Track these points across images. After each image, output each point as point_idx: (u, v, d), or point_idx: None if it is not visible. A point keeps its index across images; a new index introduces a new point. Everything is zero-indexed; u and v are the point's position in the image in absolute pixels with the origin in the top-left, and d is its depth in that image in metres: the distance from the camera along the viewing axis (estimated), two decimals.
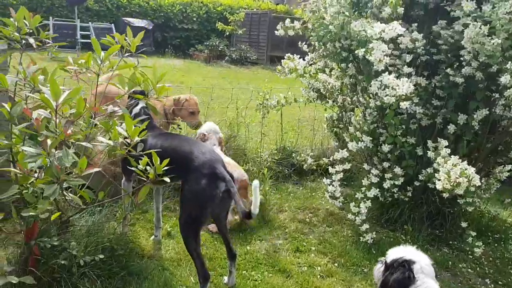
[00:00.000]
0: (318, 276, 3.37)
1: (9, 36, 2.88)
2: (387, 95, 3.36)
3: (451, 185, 3.05)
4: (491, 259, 3.89)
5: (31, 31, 2.92)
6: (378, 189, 3.84)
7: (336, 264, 3.56)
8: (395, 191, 3.86)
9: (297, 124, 6.13)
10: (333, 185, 4.05)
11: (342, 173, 4.04)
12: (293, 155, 5.38)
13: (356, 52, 3.66)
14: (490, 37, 3.23)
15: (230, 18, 17.96)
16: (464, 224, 3.81)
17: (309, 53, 4.92)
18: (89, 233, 3.02)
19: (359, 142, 3.89)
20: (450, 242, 4.01)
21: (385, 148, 3.82)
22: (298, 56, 4.71)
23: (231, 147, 5.03)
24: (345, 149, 4.00)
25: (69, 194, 2.73)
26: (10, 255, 2.94)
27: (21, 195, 2.57)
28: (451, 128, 3.69)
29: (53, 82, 2.46)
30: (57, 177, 2.42)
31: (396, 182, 3.76)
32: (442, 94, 3.81)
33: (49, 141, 2.44)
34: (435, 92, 3.86)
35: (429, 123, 3.92)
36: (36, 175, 2.55)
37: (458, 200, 3.71)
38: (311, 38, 4.46)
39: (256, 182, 2.88)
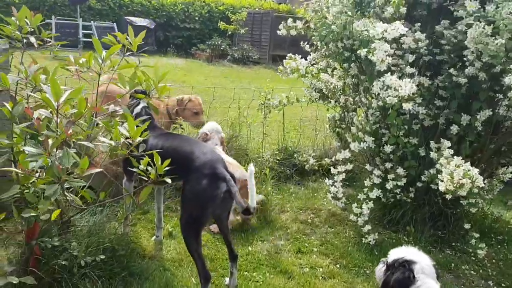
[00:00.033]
0: (320, 278, 3.35)
1: (11, 35, 2.87)
2: (389, 95, 3.34)
3: (454, 186, 3.03)
4: (494, 261, 3.87)
5: (32, 30, 2.91)
6: (380, 190, 3.82)
7: (338, 266, 3.54)
8: (398, 192, 3.84)
9: (299, 124, 6.12)
10: (335, 186, 4.03)
11: (344, 174, 4.02)
12: (295, 156, 5.36)
13: (358, 52, 3.64)
14: (493, 37, 3.21)
15: (232, 17, 17.94)
16: (467, 226, 3.78)
17: (311, 53, 4.90)
18: (90, 234, 3.01)
19: (361, 143, 3.87)
20: (453, 244, 3.99)
21: (388, 148, 3.80)
22: (300, 56, 4.70)
23: (233, 147, 5.02)
24: (347, 150, 3.98)
25: (70, 194, 2.72)
26: (11, 255, 2.94)
27: (22, 195, 2.57)
28: (454, 128, 3.67)
29: (54, 82, 2.45)
30: (58, 177, 2.41)
31: (399, 183, 3.74)
32: (445, 94, 3.79)
33: (50, 141, 2.43)
34: (438, 93, 3.84)
35: (432, 124, 3.90)
36: (37, 175, 2.54)
37: (461, 201, 3.68)
38: (313, 37, 4.44)
39: (251, 167, 2.87)
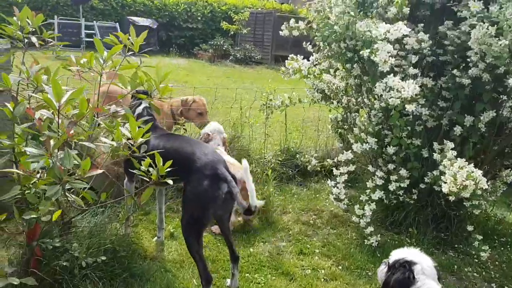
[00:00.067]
0: (322, 279, 3.33)
1: (12, 35, 2.87)
2: (392, 97, 3.32)
3: (457, 188, 3.01)
4: (497, 263, 3.84)
5: (34, 30, 2.90)
6: (383, 192, 3.80)
7: (340, 267, 3.52)
8: (401, 194, 3.81)
9: (301, 124, 6.10)
10: (337, 187, 4.01)
11: (346, 175, 4.00)
12: (297, 156, 5.34)
13: (361, 52, 3.62)
14: (497, 38, 3.19)
15: (235, 17, 17.92)
16: (470, 228, 3.76)
17: (313, 54, 4.89)
18: (91, 235, 3.00)
19: (364, 144, 3.85)
20: (456, 246, 3.96)
21: (390, 150, 3.78)
22: (303, 56, 4.68)
23: (234, 148, 5.01)
24: (350, 151, 3.96)
25: (71, 195, 2.71)
26: (12, 255, 2.93)
27: (23, 195, 2.56)
28: (457, 130, 3.64)
29: (55, 83, 2.45)
30: (60, 178, 2.40)
31: (402, 185, 3.72)
32: (448, 95, 3.77)
33: (52, 142, 2.43)
34: (441, 94, 3.82)
35: (435, 125, 3.88)
36: (38, 175, 2.53)
37: (464, 203, 3.67)
38: (315, 38, 4.42)
39: (245, 163, 2.86)
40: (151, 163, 2.73)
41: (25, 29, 2.84)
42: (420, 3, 3.91)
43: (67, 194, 2.67)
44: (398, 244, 3.84)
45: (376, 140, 3.83)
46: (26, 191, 2.56)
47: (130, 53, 3.13)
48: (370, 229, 3.78)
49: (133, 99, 3.59)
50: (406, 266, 2.25)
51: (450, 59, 3.70)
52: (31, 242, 2.70)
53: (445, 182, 3.11)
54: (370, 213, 3.77)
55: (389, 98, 3.35)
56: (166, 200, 4.03)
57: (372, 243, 3.77)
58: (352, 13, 3.90)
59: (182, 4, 18.90)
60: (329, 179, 4.24)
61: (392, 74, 3.39)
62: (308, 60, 4.77)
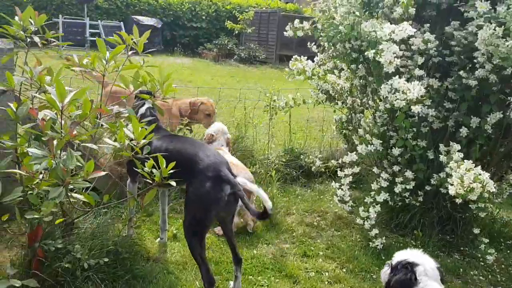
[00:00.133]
0: (326, 282, 3.30)
1: (14, 34, 2.85)
2: (397, 99, 3.29)
3: (464, 190, 2.97)
4: (503, 266, 3.80)
5: (37, 29, 2.89)
6: (387, 194, 3.76)
7: (344, 270, 3.49)
8: (407, 196, 3.77)
9: (306, 124, 6.06)
10: (342, 189, 3.97)
11: (351, 177, 3.96)
12: (301, 157, 5.31)
13: (366, 53, 3.59)
14: (504, 39, 3.15)
15: (239, 16, 17.89)
16: (476, 231, 3.72)
17: (318, 54, 4.86)
18: (93, 236, 2.98)
19: (369, 145, 3.81)
20: (462, 248, 3.93)
21: (395, 151, 3.74)
22: (308, 56, 4.64)
23: (238, 148, 4.99)
24: (354, 152, 3.92)
25: (75, 194, 2.68)
26: (14, 256, 2.92)
27: (26, 196, 2.55)
28: (464, 131, 3.60)
29: (58, 83, 2.43)
30: (62, 179, 2.38)
31: (408, 187, 3.68)
32: (455, 96, 3.72)
33: (55, 142, 2.41)
34: (447, 95, 3.78)
35: (441, 126, 3.84)
36: (40, 176, 2.52)
37: (470, 206, 3.63)
38: (320, 38, 4.39)
39: (242, 180, 2.84)
40: (154, 164, 2.71)
41: (28, 29, 2.82)
42: (426, 3, 3.87)
43: (69, 194, 2.65)
44: (403, 246, 3.80)
45: (381, 141, 3.80)
46: (29, 192, 2.55)
47: (133, 51, 3.12)
48: (375, 231, 3.74)
49: (136, 100, 3.57)
50: (408, 267, 2.26)
51: (457, 60, 3.66)
52: (33, 244, 2.68)
53: (452, 184, 3.07)
54: (375, 215, 3.73)
55: (395, 100, 3.31)
56: (169, 201, 4.02)
57: (377, 245, 3.74)
58: (357, 13, 3.87)
59: (187, 3, 18.89)
60: (333, 181, 4.20)
61: (397, 76, 3.36)
62: (313, 61, 4.73)
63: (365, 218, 3.78)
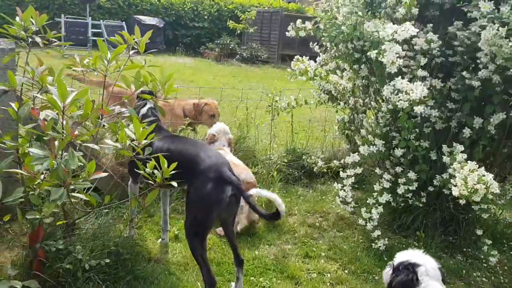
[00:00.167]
0: (328, 283, 3.29)
1: (16, 34, 2.84)
2: (400, 99, 3.27)
3: (468, 192, 2.95)
4: (506, 267, 3.78)
5: (37, 29, 2.88)
6: (390, 195, 3.74)
7: (346, 271, 3.47)
8: (409, 197, 3.75)
9: (308, 124, 6.05)
10: (344, 190, 3.96)
11: (353, 178, 3.94)
12: (303, 157, 5.29)
13: (368, 53, 3.57)
14: (508, 39, 3.13)
15: (241, 16, 17.89)
16: (479, 232, 3.70)
17: (320, 54, 4.84)
18: (95, 237, 2.98)
19: (371, 146, 3.79)
20: (464, 250, 3.90)
21: (398, 152, 3.72)
22: (310, 55, 4.63)
23: (240, 149, 4.97)
24: (356, 153, 3.91)
25: (77, 194, 2.67)
26: (15, 257, 2.91)
27: (27, 197, 2.54)
28: (467, 132, 3.59)
29: (60, 83, 2.42)
30: (64, 180, 2.37)
31: (410, 187, 3.66)
32: (458, 97, 3.70)
33: (56, 143, 2.40)
34: (450, 95, 3.76)
35: (444, 127, 3.82)
36: (42, 176, 2.51)
37: (473, 207, 3.60)
38: (322, 38, 4.38)
39: (254, 191, 2.84)
40: (156, 165, 2.70)
41: (29, 29, 2.81)
42: (429, 3, 3.85)
43: (71, 194, 2.64)
44: (405, 247, 3.77)
45: (383, 142, 3.78)
46: (30, 192, 2.54)
47: (134, 51, 3.11)
48: (377, 232, 3.72)
49: (138, 100, 3.56)
50: (410, 268, 2.27)
51: (460, 60, 3.64)
52: (34, 244, 2.68)
53: (455, 185, 3.06)
54: (377, 217, 3.71)
55: (397, 101, 3.29)
56: (171, 201, 4.00)
57: (380, 247, 3.72)
58: (360, 13, 3.85)
59: (189, 3, 18.90)
60: (335, 182, 4.17)
61: (400, 76, 3.34)
62: (315, 60, 4.72)
63: (368, 219, 3.76)
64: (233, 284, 3.08)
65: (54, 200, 2.33)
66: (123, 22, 16.49)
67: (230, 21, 17.94)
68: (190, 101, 5.28)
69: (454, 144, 3.47)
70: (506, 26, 3.12)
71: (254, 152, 5.10)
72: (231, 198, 2.78)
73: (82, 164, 2.50)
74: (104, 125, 2.84)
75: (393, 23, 3.51)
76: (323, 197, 4.86)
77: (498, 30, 3.13)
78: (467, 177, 2.99)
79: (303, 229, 4.08)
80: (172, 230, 3.72)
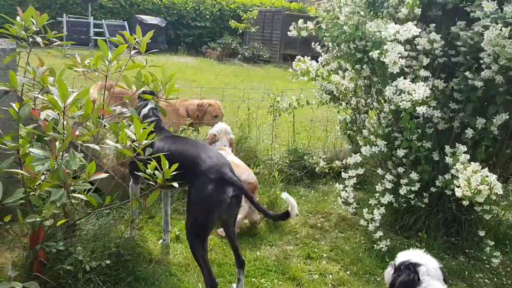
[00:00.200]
0: (330, 285, 3.27)
1: (16, 34, 2.84)
2: (402, 100, 3.25)
3: (471, 193, 2.94)
4: (508, 269, 3.76)
5: (38, 29, 2.87)
6: (392, 195, 3.72)
7: (348, 272, 3.46)
8: (412, 197, 3.73)
9: (310, 124, 6.03)
10: (346, 191, 3.94)
11: (355, 178, 3.92)
12: (305, 158, 5.27)
13: (370, 53, 3.55)
14: (511, 40, 3.11)
15: (243, 15, 17.89)
16: (481, 233, 3.68)
17: (322, 54, 4.83)
18: (95, 238, 2.96)
19: (373, 147, 3.78)
20: (467, 251, 3.88)
21: (400, 152, 3.70)
22: (312, 55, 4.62)
23: (242, 149, 4.96)
24: (358, 154, 3.89)
25: (78, 195, 2.66)
26: (16, 258, 2.90)
27: (28, 198, 2.53)
28: (469, 132, 3.57)
29: (61, 83, 2.41)
30: (64, 181, 2.36)
31: (412, 188, 3.64)
32: (460, 97, 3.68)
33: (57, 143, 2.39)
34: (452, 95, 3.74)
35: (446, 127, 3.80)
36: (42, 177, 2.50)
37: (475, 208, 3.58)
38: (324, 38, 4.36)
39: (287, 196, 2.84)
40: (157, 166, 2.69)
41: (30, 29, 2.80)
42: (431, 3, 3.83)
43: (71, 195, 2.63)
44: (407, 248, 3.69)
45: (385, 142, 3.76)
46: (31, 193, 2.53)
47: (135, 51, 3.10)
48: (379, 233, 3.70)
49: (139, 100, 3.55)
50: (411, 268, 2.28)
51: (463, 60, 3.62)
52: (35, 246, 2.67)
53: (458, 186, 3.04)
54: (379, 218, 3.69)
55: (400, 101, 3.28)
56: (172, 201, 3.99)
57: (382, 248, 3.70)
58: (362, 13, 3.83)
59: (191, 2, 18.89)
60: (337, 183, 4.14)
61: (402, 76, 3.32)
62: (317, 60, 4.71)
63: (370, 220, 3.74)
64: (234, 285, 3.07)
65: (53, 201, 2.32)
66: (125, 22, 16.49)
67: (232, 20, 17.94)
68: (194, 102, 5.29)
69: (457, 144, 3.45)
70: (510, 26, 3.11)
71: (255, 152, 5.08)
72: (232, 199, 2.77)
73: (83, 165, 2.49)
74: (105, 126, 2.83)
75: (396, 23, 3.49)
76: (325, 198, 4.84)
77: (501, 30, 3.11)
78: (470, 178, 2.97)
79: (305, 230, 4.07)
80: (173, 230, 3.70)
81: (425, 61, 3.53)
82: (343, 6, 4.04)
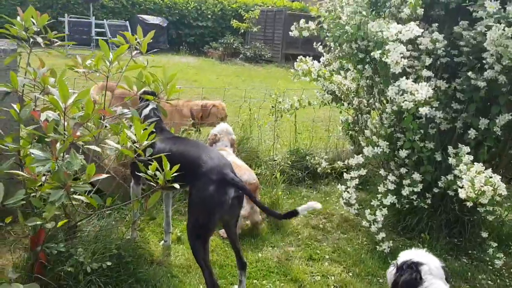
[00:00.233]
0: (332, 287, 3.26)
1: (17, 35, 2.83)
2: (405, 100, 3.23)
3: (475, 194, 2.92)
4: None
5: (39, 29, 2.86)
6: (394, 196, 3.70)
7: (350, 274, 3.44)
8: (414, 198, 3.71)
9: (312, 124, 6.01)
10: (348, 192, 3.92)
11: (357, 179, 3.90)
12: (307, 158, 5.25)
13: (372, 53, 3.54)
14: None
15: (245, 15, 17.88)
16: (484, 234, 3.66)
17: (324, 54, 4.81)
18: (96, 239, 2.95)
19: (376, 147, 3.75)
20: (469, 252, 3.86)
21: (403, 153, 3.68)
22: (314, 55, 4.60)
23: (243, 149, 4.95)
24: (360, 155, 3.87)
25: (78, 196, 2.65)
26: (17, 259, 2.89)
27: (29, 199, 2.52)
28: (472, 133, 3.54)
29: (62, 84, 2.41)
30: (64, 182, 2.35)
31: (415, 189, 3.62)
32: (463, 97, 3.66)
33: (58, 145, 2.38)
34: (455, 96, 3.72)
35: (449, 128, 3.78)
36: (43, 178, 2.49)
37: (478, 209, 3.56)
38: (326, 38, 4.34)
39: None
40: (158, 167, 2.67)
41: (30, 29, 2.79)
42: (434, 2, 3.80)
43: (72, 196, 2.62)
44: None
45: (388, 143, 3.74)
46: (32, 194, 2.52)
47: (137, 51, 3.08)
48: (382, 235, 3.68)
49: (140, 101, 3.54)
50: (414, 267, 2.28)
51: (465, 60, 3.59)
52: (36, 247, 2.66)
53: (462, 187, 3.02)
54: (382, 219, 3.67)
55: (402, 102, 3.26)
56: (173, 202, 3.98)
57: (384, 249, 3.68)
58: (364, 12, 3.82)
59: (192, 2, 18.90)
60: (339, 184, 4.11)
61: (404, 77, 3.30)
62: (319, 60, 4.69)
63: (372, 221, 3.72)
64: (235, 287, 3.06)
65: (53, 202, 2.31)
66: (127, 22, 16.51)
67: (234, 20, 17.94)
68: (198, 102, 5.30)
69: (460, 145, 3.44)
70: None
71: (257, 153, 5.07)
72: (233, 200, 2.76)
73: (84, 164, 2.48)
74: (106, 126, 2.82)
75: (398, 23, 3.46)
76: (327, 198, 4.83)
77: (504, 30, 3.09)
78: (474, 179, 2.95)
79: (307, 231, 4.05)
80: (175, 232, 3.69)
81: (428, 61, 3.51)
82: (345, 6, 4.03)
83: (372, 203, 3.79)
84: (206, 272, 2.71)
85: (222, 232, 3.72)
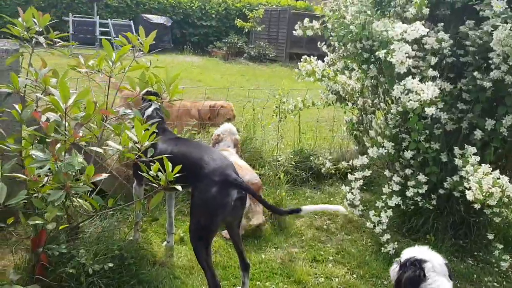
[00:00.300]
0: None
1: (19, 35, 2.81)
2: (410, 100, 3.20)
3: (483, 195, 2.88)
4: None
5: (41, 29, 2.85)
6: (399, 197, 3.67)
7: (354, 276, 3.41)
8: (419, 200, 3.67)
9: (316, 124, 5.97)
10: (352, 193, 3.88)
11: (361, 180, 3.87)
12: (311, 158, 5.22)
13: (377, 53, 3.50)
14: None
15: (249, 14, 17.84)
16: (490, 236, 3.62)
17: (328, 53, 4.77)
18: (98, 240, 2.93)
19: (380, 148, 3.72)
20: (475, 254, 3.81)
21: (408, 154, 3.65)
22: (318, 54, 4.56)
23: (247, 150, 4.92)
24: (365, 156, 3.83)
25: (78, 199, 2.64)
26: (18, 260, 2.88)
27: (30, 200, 2.51)
28: (478, 134, 3.50)
29: (63, 84, 2.39)
30: (64, 183, 2.34)
31: (420, 190, 3.58)
32: (469, 98, 3.62)
33: (58, 145, 2.37)
34: (461, 96, 3.68)
35: (454, 128, 3.74)
36: (45, 179, 2.48)
37: (485, 210, 3.52)
38: (330, 38, 4.30)
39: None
40: (160, 168, 2.65)
41: (31, 29, 2.78)
42: (440, 2, 3.76)
43: (73, 199, 2.61)
44: None
45: (393, 144, 3.70)
46: (34, 195, 2.50)
47: (141, 52, 3.06)
48: (387, 236, 3.64)
49: (143, 101, 3.52)
50: (417, 264, 2.28)
51: (471, 60, 3.55)
52: (37, 249, 2.64)
53: (469, 189, 2.98)
54: (386, 220, 3.64)
55: (408, 101, 3.22)
56: (176, 202, 3.96)
57: (389, 250, 3.64)
58: (368, 12, 3.78)
59: (197, 2, 18.90)
60: (343, 185, 4.08)
61: (410, 76, 3.27)
62: (323, 60, 4.66)
63: (376, 223, 3.68)
64: None
65: (52, 202, 2.30)
66: (131, 21, 16.52)
67: (238, 19, 17.91)
68: (206, 103, 5.29)
69: (466, 146, 3.39)
70: None
71: (261, 153, 5.03)
72: (236, 201, 2.74)
73: (84, 165, 2.46)
74: (107, 127, 2.81)
75: (403, 23, 3.43)
76: (331, 199, 4.79)
77: (510, 30, 3.04)
78: (482, 181, 2.91)
79: (311, 232, 4.02)
80: (178, 232, 3.67)
81: (433, 60, 3.47)
82: (350, 5, 3.99)
83: (376, 204, 3.75)
84: (208, 273, 2.69)
85: (225, 233, 3.69)
